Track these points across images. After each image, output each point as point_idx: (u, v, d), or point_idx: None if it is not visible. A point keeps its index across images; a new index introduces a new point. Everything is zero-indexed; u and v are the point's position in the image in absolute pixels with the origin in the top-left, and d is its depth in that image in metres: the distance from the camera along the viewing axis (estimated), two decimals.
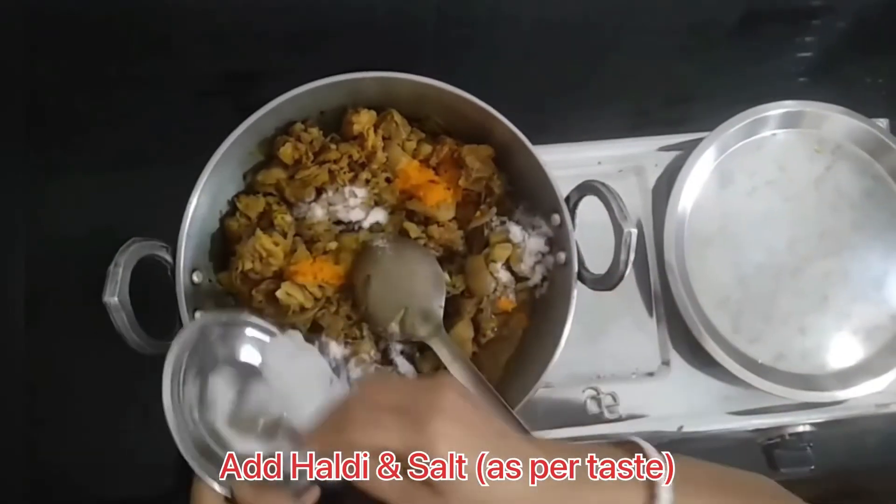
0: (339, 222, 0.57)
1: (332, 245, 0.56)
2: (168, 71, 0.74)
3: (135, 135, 0.72)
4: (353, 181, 0.57)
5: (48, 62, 0.74)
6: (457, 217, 0.58)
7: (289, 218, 0.56)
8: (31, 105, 0.73)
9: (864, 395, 0.61)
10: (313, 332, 0.55)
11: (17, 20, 0.74)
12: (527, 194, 0.56)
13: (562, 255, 0.54)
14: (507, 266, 0.57)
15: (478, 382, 0.50)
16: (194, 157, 0.53)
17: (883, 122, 0.67)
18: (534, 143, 0.53)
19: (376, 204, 0.57)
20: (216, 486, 0.42)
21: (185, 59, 0.74)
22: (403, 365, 0.55)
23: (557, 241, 0.54)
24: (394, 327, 0.54)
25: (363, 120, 0.56)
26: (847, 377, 0.62)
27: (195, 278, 0.53)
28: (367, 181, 0.57)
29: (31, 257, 0.69)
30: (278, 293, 0.53)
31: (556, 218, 0.53)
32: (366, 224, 0.57)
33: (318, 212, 0.56)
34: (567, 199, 0.53)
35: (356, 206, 0.56)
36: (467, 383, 0.50)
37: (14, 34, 0.74)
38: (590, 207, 0.53)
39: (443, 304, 0.55)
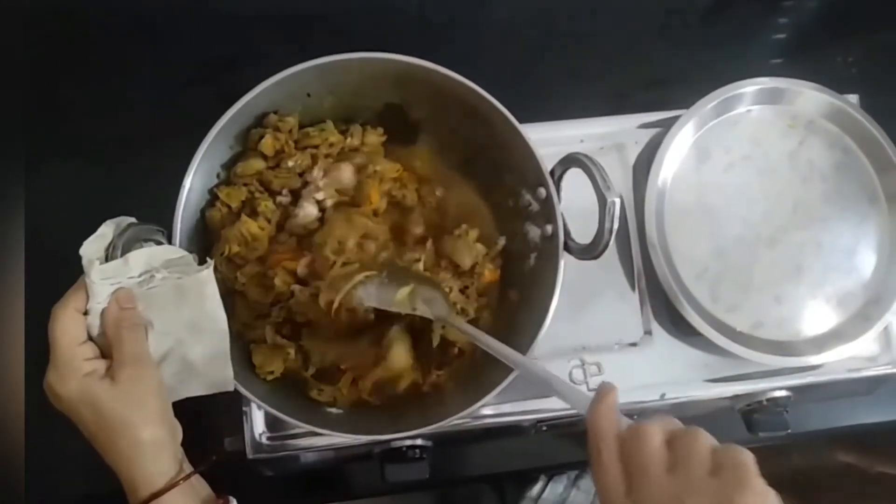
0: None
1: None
2: (152, 58, 0.74)
3: (120, 121, 0.72)
4: (327, 172, 0.58)
5: (35, 50, 0.74)
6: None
7: (271, 205, 0.57)
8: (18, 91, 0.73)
9: (836, 360, 0.64)
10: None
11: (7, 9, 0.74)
12: (512, 169, 0.58)
13: (548, 228, 0.55)
14: None
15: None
16: (179, 143, 0.54)
17: (853, 98, 0.69)
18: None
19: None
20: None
21: (168, 47, 0.74)
22: None
23: (544, 213, 0.56)
24: (403, 294, 0.54)
25: (371, 141, 0.60)
26: (821, 343, 0.64)
27: None
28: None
29: (31, 242, 0.69)
30: (276, 281, 0.54)
31: (541, 191, 0.55)
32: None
33: (312, 210, 0.57)
34: (552, 173, 0.54)
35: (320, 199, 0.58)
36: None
37: (4, 23, 0.74)
38: (574, 181, 0.55)
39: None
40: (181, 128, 0.56)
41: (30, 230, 0.69)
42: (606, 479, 0.37)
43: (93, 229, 0.49)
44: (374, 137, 0.60)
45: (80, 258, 0.48)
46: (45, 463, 0.65)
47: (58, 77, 0.73)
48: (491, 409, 0.62)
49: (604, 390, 0.40)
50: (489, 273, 0.59)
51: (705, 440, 0.36)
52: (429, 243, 0.59)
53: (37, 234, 0.69)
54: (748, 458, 0.35)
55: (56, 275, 0.66)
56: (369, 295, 0.54)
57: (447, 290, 0.56)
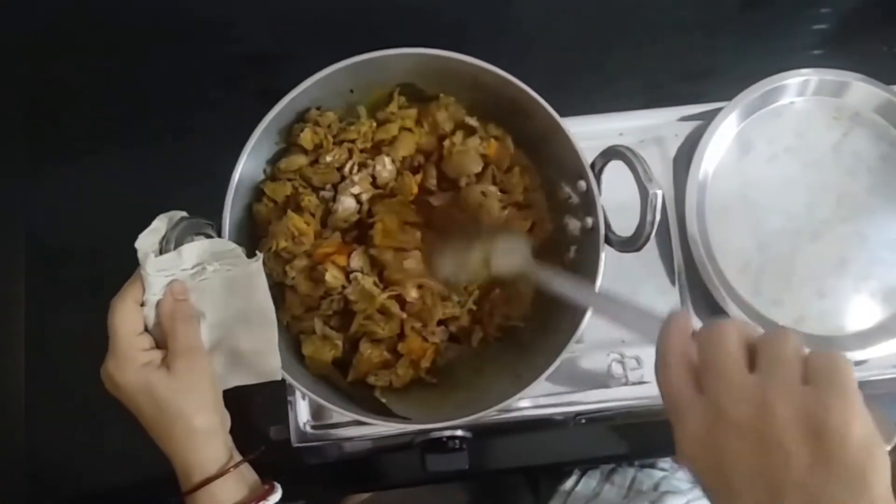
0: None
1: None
2: (189, 55, 0.75)
3: (152, 118, 0.73)
4: (361, 167, 0.59)
5: (74, 47, 0.76)
6: None
7: (315, 200, 0.58)
8: (52, 87, 0.74)
9: (882, 356, 0.63)
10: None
11: (42, 6, 0.76)
12: (551, 161, 0.58)
13: (589, 220, 0.55)
14: None
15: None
16: (217, 139, 0.55)
17: None
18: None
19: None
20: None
21: (206, 43, 0.76)
22: None
23: (584, 206, 0.56)
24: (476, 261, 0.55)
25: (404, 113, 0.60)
26: (865, 338, 0.63)
27: None
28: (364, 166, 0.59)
29: (31, 242, 0.70)
30: (327, 276, 0.55)
31: (581, 184, 0.55)
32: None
33: (350, 203, 0.58)
34: (592, 166, 0.54)
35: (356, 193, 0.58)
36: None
37: (37, 19, 0.76)
38: (613, 175, 0.55)
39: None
40: (218, 125, 0.57)
41: (29, 230, 0.70)
42: (672, 383, 0.34)
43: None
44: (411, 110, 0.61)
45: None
46: (45, 462, 0.67)
47: (85, 73, 0.74)
48: (530, 402, 0.62)
49: (675, 315, 0.36)
50: None
51: (795, 342, 0.32)
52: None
53: (36, 234, 0.70)
54: (846, 369, 0.31)
55: (56, 275, 0.68)
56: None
57: None
